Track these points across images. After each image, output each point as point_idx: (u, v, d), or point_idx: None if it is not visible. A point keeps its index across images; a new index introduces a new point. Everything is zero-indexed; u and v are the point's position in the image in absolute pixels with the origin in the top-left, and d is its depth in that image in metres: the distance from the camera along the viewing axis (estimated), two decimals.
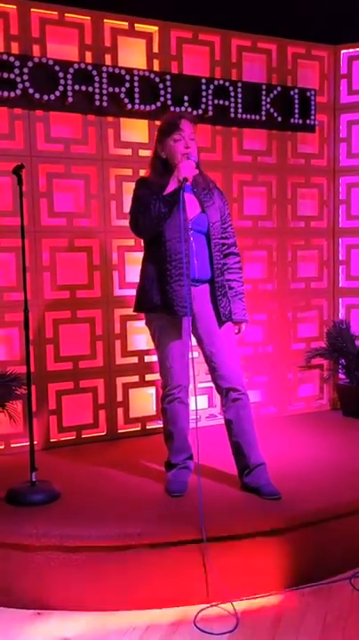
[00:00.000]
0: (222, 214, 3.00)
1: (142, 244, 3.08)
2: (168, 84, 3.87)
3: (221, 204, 3.02)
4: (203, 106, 3.99)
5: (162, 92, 3.86)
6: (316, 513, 2.79)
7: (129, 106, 3.80)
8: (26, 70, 3.52)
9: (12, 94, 3.51)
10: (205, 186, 2.98)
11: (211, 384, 4.10)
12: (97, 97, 3.71)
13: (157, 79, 3.85)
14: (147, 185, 2.91)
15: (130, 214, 2.94)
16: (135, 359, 4.05)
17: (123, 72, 3.76)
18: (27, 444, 3.05)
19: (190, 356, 2.93)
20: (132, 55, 3.93)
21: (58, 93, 3.61)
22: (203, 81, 3.99)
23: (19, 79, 3.51)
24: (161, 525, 2.67)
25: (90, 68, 3.68)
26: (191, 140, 2.89)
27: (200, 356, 3.10)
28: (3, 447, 3.70)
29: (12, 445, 3.70)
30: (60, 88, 3.61)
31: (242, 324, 3.08)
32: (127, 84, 3.77)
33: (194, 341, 3.00)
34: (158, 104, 3.86)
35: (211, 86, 4.01)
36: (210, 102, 4.01)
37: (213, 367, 2.97)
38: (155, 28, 3.98)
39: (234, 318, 3.01)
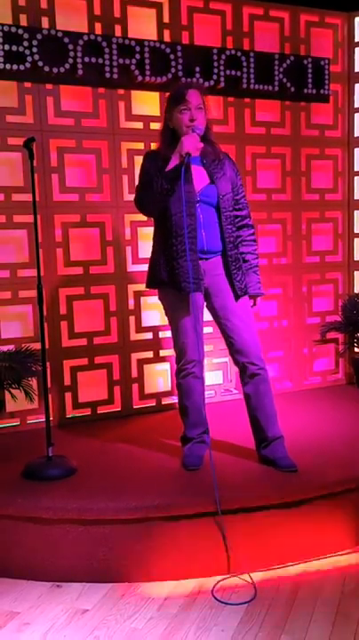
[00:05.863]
0: (234, 185, 2.93)
1: (152, 219, 3.04)
2: (179, 54, 3.80)
3: (233, 174, 2.94)
4: (214, 77, 3.92)
5: (173, 64, 3.79)
6: (332, 485, 2.79)
7: (139, 77, 3.74)
8: (35, 43, 3.46)
9: (22, 67, 3.46)
10: (215, 157, 2.90)
11: (227, 359, 4.17)
12: (107, 69, 3.65)
13: (168, 50, 3.78)
14: (154, 157, 2.86)
15: (135, 190, 2.90)
16: (149, 335, 4.03)
17: (133, 43, 3.69)
18: (43, 419, 3.06)
19: (204, 332, 2.91)
20: (142, 26, 3.85)
21: (68, 66, 3.56)
22: (215, 51, 3.91)
23: (28, 52, 3.45)
24: (178, 498, 2.68)
25: (99, 39, 3.62)
26: (198, 111, 2.79)
27: (216, 332, 3.07)
28: (19, 423, 3.72)
29: (29, 422, 3.72)
30: (70, 60, 3.55)
31: (257, 298, 3.05)
32: (137, 56, 3.71)
33: (209, 316, 2.97)
34: (169, 75, 3.79)
35: (223, 56, 3.93)
36: (221, 73, 3.93)
37: (230, 342, 2.94)
38: None
39: (249, 292, 2.97)
